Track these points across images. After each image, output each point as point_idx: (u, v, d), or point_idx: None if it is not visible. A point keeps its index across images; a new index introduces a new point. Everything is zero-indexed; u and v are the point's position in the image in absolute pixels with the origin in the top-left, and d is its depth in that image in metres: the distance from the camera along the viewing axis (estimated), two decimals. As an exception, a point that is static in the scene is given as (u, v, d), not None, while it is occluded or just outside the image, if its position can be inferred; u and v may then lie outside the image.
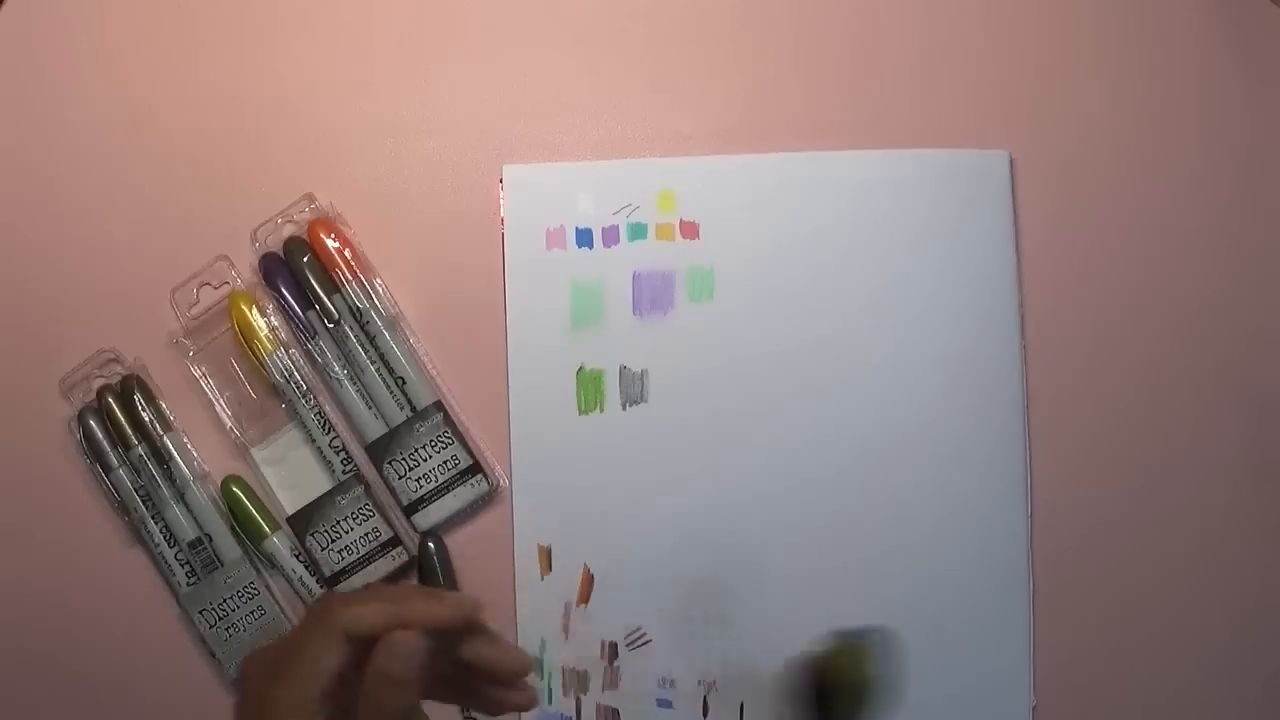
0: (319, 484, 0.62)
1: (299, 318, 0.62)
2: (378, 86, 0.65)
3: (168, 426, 0.62)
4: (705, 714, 0.62)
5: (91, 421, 0.62)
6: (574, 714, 0.62)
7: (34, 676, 0.63)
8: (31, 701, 0.63)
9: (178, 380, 0.63)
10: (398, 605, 0.45)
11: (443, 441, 0.62)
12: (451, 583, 0.62)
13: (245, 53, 0.65)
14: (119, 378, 0.62)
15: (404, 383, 0.62)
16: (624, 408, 0.62)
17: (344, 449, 0.62)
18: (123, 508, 0.62)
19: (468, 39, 0.65)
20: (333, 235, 0.62)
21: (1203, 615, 0.62)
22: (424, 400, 0.62)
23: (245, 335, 0.62)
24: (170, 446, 0.62)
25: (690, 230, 0.63)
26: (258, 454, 0.63)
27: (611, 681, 0.62)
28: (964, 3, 0.65)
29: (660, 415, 0.62)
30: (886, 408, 0.62)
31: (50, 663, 0.63)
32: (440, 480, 0.62)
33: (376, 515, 0.62)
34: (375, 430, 0.62)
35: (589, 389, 0.63)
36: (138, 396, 0.62)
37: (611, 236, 0.63)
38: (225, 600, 0.61)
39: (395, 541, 0.62)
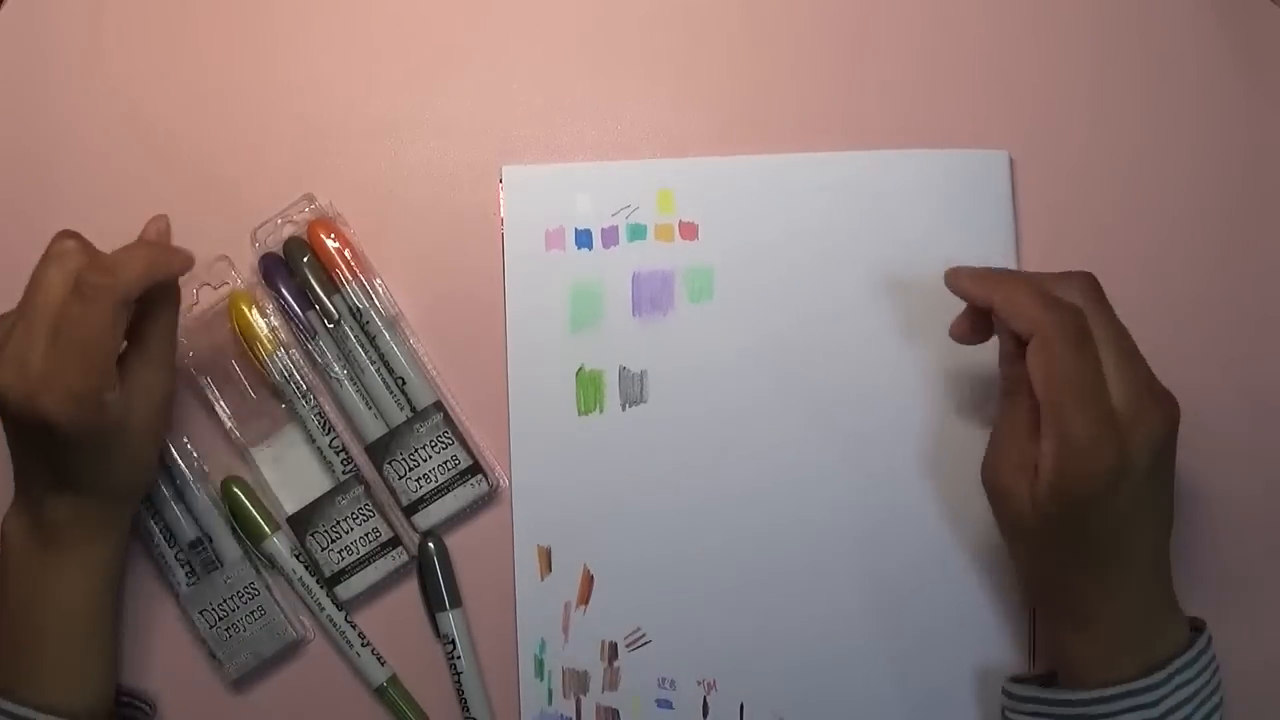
0: (319, 484, 0.62)
1: (299, 318, 0.62)
2: (377, 87, 0.65)
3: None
4: (705, 714, 0.62)
5: (92, 422, 0.62)
6: (574, 714, 0.62)
7: (34, 676, 0.63)
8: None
9: (177, 380, 0.63)
10: (156, 255, 0.53)
11: (443, 442, 0.62)
12: (451, 582, 0.62)
13: (245, 53, 0.65)
14: (119, 378, 0.63)
15: (404, 383, 0.62)
16: (624, 408, 0.62)
17: (344, 449, 0.62)
18: (123, 508, 0.62)
19: (468, 40, 0.65)
20: (333, 235, 0.62)
21: (1202, 614, 0.62)
22: (424, 400, 0.62)
23: (245, 335, 0.62)
24: (170, 446, 0.62)
25: (689, 231, 0.63)
26: (258, 454, 0.63)
27: (611, 682, 0.62)
28: (964, 3, 0.65)
29: (660, 415, 0.62)
30: (886, 408, 0.62)
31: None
32: (440, 480, 0.62)
33: (376, 515, 0.62)
34: (375, 430, 0.62)
35: (588, 389, 0.63)
36: (138, 397, 0.62)
37: (611, 237, 0.63)
38: (225, 600, 0.61)
39: (395, 541, 0.62)
